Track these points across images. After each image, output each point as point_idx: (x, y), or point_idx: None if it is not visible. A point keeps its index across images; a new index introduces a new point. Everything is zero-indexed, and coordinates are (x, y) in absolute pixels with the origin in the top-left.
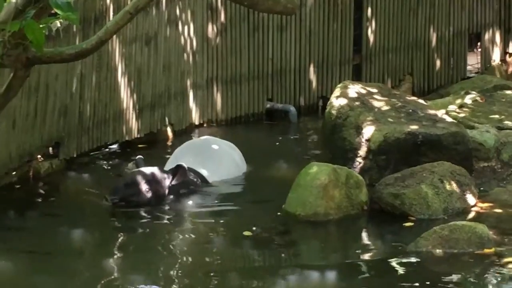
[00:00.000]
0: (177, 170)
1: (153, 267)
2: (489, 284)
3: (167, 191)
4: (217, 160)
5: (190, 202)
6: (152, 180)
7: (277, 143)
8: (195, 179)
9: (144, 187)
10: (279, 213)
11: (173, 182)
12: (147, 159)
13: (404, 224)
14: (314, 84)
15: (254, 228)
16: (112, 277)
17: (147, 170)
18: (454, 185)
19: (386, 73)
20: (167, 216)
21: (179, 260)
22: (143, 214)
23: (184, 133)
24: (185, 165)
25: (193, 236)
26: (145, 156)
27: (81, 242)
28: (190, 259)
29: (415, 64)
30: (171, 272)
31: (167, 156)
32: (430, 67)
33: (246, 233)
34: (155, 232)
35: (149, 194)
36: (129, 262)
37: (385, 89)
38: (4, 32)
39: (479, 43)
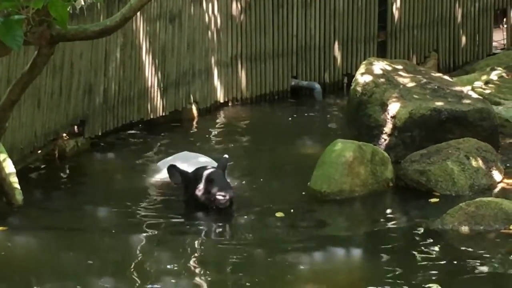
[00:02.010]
0: (225, 162)
1: (181, 246)
2: None
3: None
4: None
5: None
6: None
7: (302, 121)
8: None
9: None
10: (303, 192)
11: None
12: (175, 137)
13: (430, 200)
14: (339, 61)
15: (282, 207)
16: (138, 255)
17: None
18: (480, 162)
19: (411, 49)
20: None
21: (206, 241)
22: (173, 196)
23: (209, 111)
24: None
25: (221, 216)
26: (172, 134)
27: (107, 221)
28: (217, 239)
29: (441, 40)
30: (199, 253)
31: (191, 139)
32: (456, 44)
33: (278, 214)
34: (184, 214)
35: None
36: (155, 241)
37: (410, 65)
38: (28, 9)
39: (505, 19)
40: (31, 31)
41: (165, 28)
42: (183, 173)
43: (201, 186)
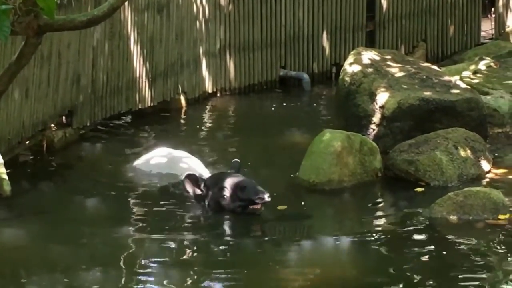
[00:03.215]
0: (238, 165)
1: (171, 238)
2: (502, 250)
3: None
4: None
5: None
6: None
7: (290, 111)
8: None
9: None
10: (292, 180)
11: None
12: (164, 127)
13: (415, 189)
14: (327, 51)
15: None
16: (127, 247)
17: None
18: (469, 151)
19: (399, 39)
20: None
21: (197, 233)
22: (163, 187)
23: (197, 102)
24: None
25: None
26: (160, 125)
27: (95, 212)
28: (207, 232)
29: (429, 30)
30: (189, 244)
31: (179, 129)
32: (444, 33)
33: (280, 207)
34: (174, 206)
35: None
36: (145, 232)
37: (398, 55)
38: None
39: (493, 9)
40: (18, 21)
41: (153, 18)
42: (200, 180)
43: (227, 193)
